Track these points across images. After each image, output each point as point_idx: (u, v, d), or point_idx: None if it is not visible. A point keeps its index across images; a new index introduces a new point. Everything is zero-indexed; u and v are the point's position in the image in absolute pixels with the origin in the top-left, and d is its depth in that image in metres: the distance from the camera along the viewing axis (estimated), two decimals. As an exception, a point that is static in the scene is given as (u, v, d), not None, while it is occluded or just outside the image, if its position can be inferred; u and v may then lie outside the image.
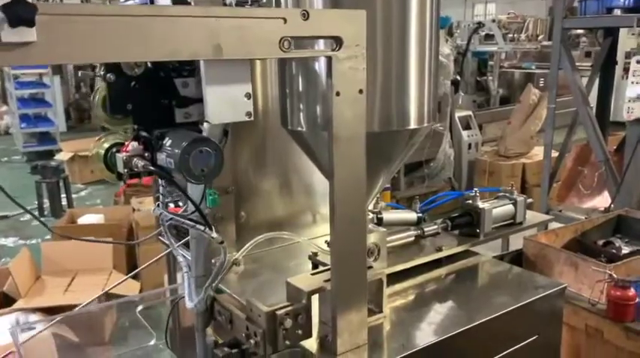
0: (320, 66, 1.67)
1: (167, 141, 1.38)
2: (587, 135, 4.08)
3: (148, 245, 5.60)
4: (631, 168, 3.60)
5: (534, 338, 1.85)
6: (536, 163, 7.35)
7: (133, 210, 6.18)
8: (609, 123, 4.45)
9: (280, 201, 2.27)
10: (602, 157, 3.90)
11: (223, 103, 1.30)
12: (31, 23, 0.92)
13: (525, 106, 7.92)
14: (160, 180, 1.82)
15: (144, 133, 1.41)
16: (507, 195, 2.36)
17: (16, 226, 7.38)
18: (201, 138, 1.34)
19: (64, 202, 7.94)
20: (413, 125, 1.72)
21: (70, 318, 3.03)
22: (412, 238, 2.08)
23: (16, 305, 4.31)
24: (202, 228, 1.42)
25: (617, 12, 3.86)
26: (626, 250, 3.16)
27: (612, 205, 3.68)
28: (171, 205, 1.96)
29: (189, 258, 1.72)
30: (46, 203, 7.78)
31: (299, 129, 1.76)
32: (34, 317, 4.31)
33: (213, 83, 1.28)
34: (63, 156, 9.16)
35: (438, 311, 1.80)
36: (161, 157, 1.38)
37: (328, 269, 1.60)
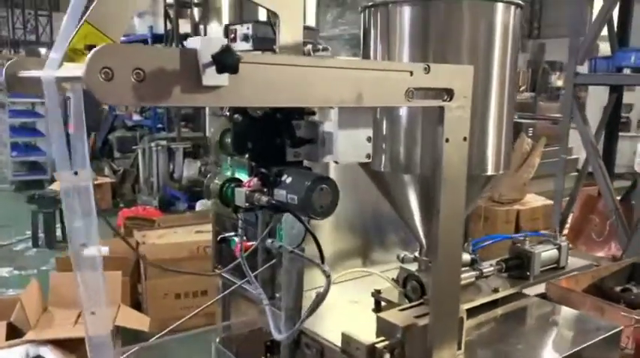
0: (403, 111, 1.80)
1: (286, 179, 1.46)
2: (599, 186, 4.28)
3: (155, 279, 5.60)
4: (642, 218, 3.79)
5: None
6: (530, 210, 7.56)
7: (137, 243, 6.15)
8: (614, 174, 4.68)
9: (335, 237, 2.37)
10: (612, 207, 4.09)
11: (350, 145, 1.40)
12: (235, 70, 1.01)
13: (518, 154, 8.19)
14: (239, 215, 1.89)
15: (263, 170, 1.49)
16: (551, 239, 2.48)
17: (10, 256, 7.24)
18: (322, 177, 1.44)
19: (57, 233, 7.84)
20: (490, 171, 1.84)
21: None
22: (473, 278, 2.18)
23: (26, 337, 4.23)
24: (318, 261, 1.50)
25: (627, 71, 4.13)
26: (644, 297, 3.28)
27: (624, 254, 3.84)
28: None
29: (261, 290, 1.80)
30: (41, 233, 7.67)
31: (381, 169, 1.86)
32: (44, 350, 4.23)
33: (343, 127, 1.38)
34: (57, 187, 9.08)
35: (511, 350, 1.88)
36: (280, 193, 1.46)
37: (419, 305, 1.69)
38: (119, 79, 0.96)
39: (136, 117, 11.83)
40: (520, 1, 1.79)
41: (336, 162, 1.43)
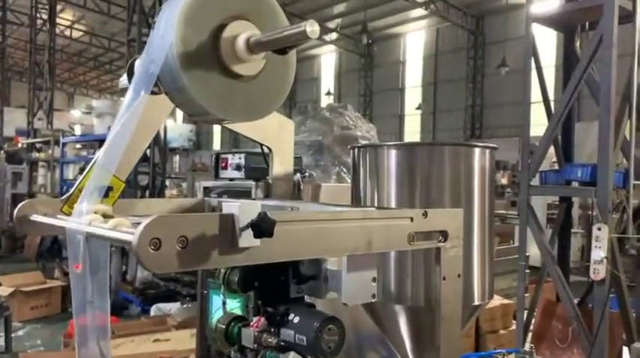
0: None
1: (294, 318, 1.52)
2: (559, 293, 4.46)
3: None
4: (602, 326, 3.95)
5: None
6: (489, 310, 7.69)
7: (92, 355, 5.85)
8: (569, 277, 4.90)
9: None
10: (573, 313, 4.25)
11: (357, 287, 1.48)
12: (271, 235, 1.10)
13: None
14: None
15: (269, 309, 1.54)
16: (526, 356, 2.58)
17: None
18: (329, 317, 1.50)
19: (0, 342, 7.35)
20: (477, 301, 1.95)
21: None
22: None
23: None
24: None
25: (575, 183, 4.47)
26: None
27: (587, 359, 3.96)
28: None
29: None
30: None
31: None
32: None
33: (351, 270, 1.47)
34: (2, 291, 8.62)
35: None
36: (288, 333, 1.51)
37: None
38: (166, 247, 1.03)
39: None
40: (494, 145, 1.99)
41: (345, 304, 1.50)
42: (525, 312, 4.62)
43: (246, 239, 1.11)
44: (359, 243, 1.36)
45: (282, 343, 1.49)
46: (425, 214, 1.53)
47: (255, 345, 1.51)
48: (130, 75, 1.58)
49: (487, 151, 1.95)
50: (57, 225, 1.40)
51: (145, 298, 9.42)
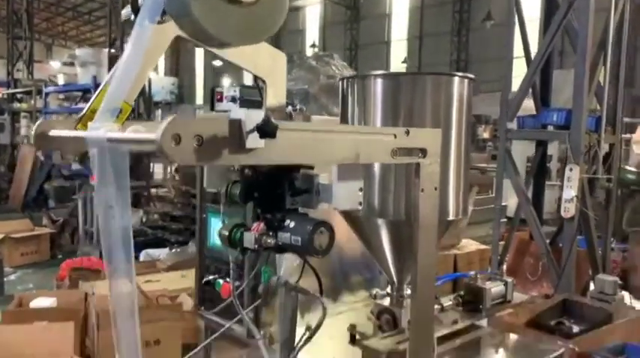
0: (377, 165, 2.10)
1: (289, 223, 1.71)
2: (531, 231, 4.74)
3: (108, 329, 5.51)
4: (569, 259, 4.25)
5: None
6: (466, 254, 8.04)
7: (86, 294, 6.06)
8: (542, 220, 5.19)
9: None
10: (544, 249, 4.55)
11: (346, 194, 1.67)
12: (274, 136, 1.28)
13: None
14: (231, 258, 2.10)
15: (268, 215, 1.73)
16: (498, 277, 2.82)
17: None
18: (321, 221, 1.69)
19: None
20: (451, 217, 2.16)
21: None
22: (436, 312, 2.45)
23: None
24: (318, 296, 1.73)
25: (551, 128, 4.69)
26: (575, 329, 3.69)
27: (555, 291, 4.27)
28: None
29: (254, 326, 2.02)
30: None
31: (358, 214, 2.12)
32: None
33: (341, 180, 1.65)
34: (-6, 232, 8.76)
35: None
36: (284, 236, 1.70)
37: (397, 333, 1.94)
38: (185, 143, 1.19)
39: (75, 166, 11.63)
40: (472, 76, 2.17)
41: (335, 209, 1.69)
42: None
43: (253, 141, 1.28)
44: (348, 153, 1.53)
45: (280, 244, 1.69)
46: (407, 132, 1.71)
47: (256, 246, 1.70)
48: (134, 6, 1.71)
49: (465, 81, 2.13)
50: (77, 137, 1.55)
51: (135, 245, 9.59)
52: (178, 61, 36.77)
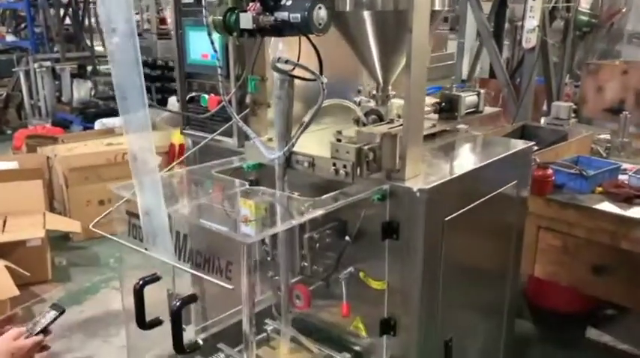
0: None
1: (286, 1, 1.69)
2: (492, 63, 4.87)
3: (76, 186, 5.54)
4: (529, 88, 4.42)
5: (514, 182, 2.45)
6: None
7: (48, 157, 5.98)
8: (502, 51, 5.32)
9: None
10: (504, 83, 4.70)
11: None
12: None
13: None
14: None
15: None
16: (472, 88, 2.92)
17: None
18: (319, -1, 1.68)
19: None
20: (437, 7, 2.16)
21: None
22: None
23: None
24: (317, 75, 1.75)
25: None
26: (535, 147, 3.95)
27: (514, 121, 4.49)
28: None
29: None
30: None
31: (346, 9, 2.09)
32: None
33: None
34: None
35: (456, 160, 2.31)
36: (282, 15, 1.68)
37: (391, 121, 2.03)
38: None
39: (10, 38, 10.88)
40: None
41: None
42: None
43: None
44: None
45: (278, 22, 1.68)
46: None
47: (254, 26, 1.68)
48: None
49: None
50: None
51: (86, 117, 9.35)
52: None
